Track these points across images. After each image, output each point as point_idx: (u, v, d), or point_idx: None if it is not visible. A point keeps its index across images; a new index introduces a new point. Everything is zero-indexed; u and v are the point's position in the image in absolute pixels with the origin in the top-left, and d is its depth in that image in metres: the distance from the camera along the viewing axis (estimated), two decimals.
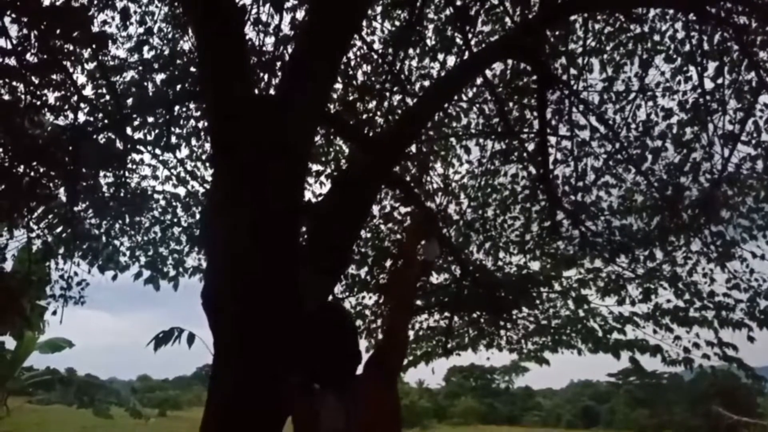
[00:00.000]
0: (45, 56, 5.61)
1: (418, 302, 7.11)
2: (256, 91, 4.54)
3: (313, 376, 2.21)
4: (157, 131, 6.07)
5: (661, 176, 5.91)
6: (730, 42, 5.20)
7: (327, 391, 2.15)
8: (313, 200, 5.78)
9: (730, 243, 5.96)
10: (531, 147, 5.92)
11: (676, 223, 5.87)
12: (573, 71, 5.58)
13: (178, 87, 5.64)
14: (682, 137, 5.68)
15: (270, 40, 5.28)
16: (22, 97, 5.55)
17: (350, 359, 2.23)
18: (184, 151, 6.48)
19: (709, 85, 5.38)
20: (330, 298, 6.93)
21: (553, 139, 5.88)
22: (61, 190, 6.50)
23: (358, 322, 7.68)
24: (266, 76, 5.09)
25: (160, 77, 5.82)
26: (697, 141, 5.65)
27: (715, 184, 5.64)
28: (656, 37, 5.54)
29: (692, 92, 5.49)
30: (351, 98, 5.60)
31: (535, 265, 7.01)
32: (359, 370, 2.26)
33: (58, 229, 6.85)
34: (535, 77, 5.23)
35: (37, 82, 5.65)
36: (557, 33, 5.32)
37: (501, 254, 7.02)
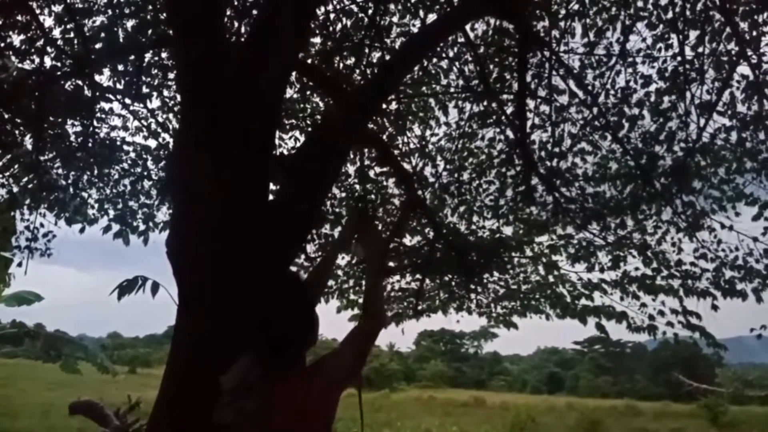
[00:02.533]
0: None
1: (391, 263, 7.13)
2: (228, 36, 4.40)
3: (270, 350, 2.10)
4: (127, 79, 5.88)
5: (636, 144, 5.92)
6: (713, 11, 5.17)
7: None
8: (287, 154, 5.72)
9: (700, 213, 6.03)
10: (509, 111, 5.87)
11: (649, 191, 5.91)
12: (555, 34, 5.51)
13: (150, 32, 5.44)
14: (659, 105, 5.68)
15: None
16: None
17: (301, 337, 2.15)
18: (155, 102, 6.32)
19: (689, 53, 5.36)
20: (302, 256, 6.95)
21: (531, 104, 5.86)
22: (27, 137, 6.32)
23: (330, 282, 7.68)
24: (239, 23, 4.93)
25: (131, 22, 5.61)
26: (673, 110, 5.65)
27: (689, 153, 5.67)
28: (639, 3, 5.48)
29: (672, 60, 5.47)
30: (329, 50, 5.48)
31: (507, 230, 7.03)
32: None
33: (24, 179, 6.67)
34: (516, 37, 5.16)
35: (0, 23, 5.42)
36: None
37: (475, 218, 7.02)
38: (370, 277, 2.46)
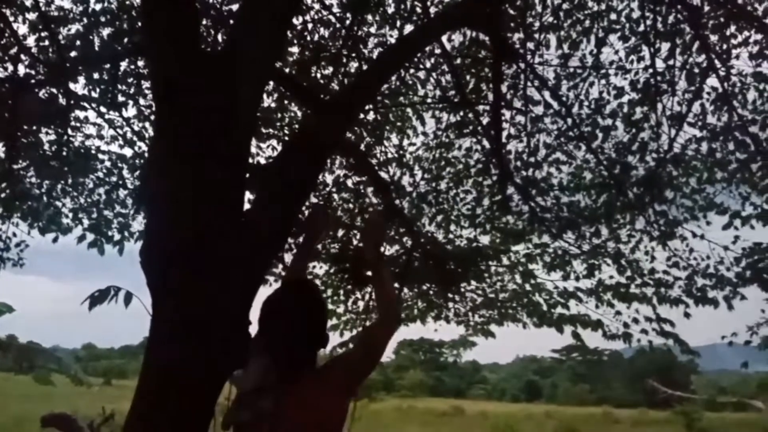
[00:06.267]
0: None
1: (369, 272, 7.11)
2: (204, 46, 4.39)
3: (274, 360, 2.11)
4: (102, 87, 5.83)
5: (610, 154, 6.02)
6: (683, 24, 5.29)
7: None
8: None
9: (673, 222, 6.14)
10: (485, 121, 5.94)
11: (622, 201, 6.00)
12: (530, 46, 5.59)
13: (126, 41, 5.40)
14: (631, 116, 5.79)
15: None
16: None
17: (316, 339, 2.15)
18: (131, 111, 6.27)
19: (660, 65, 5.48)
20: (280, 266, 6.92)
21: (507, 114, 5.93)
22: (0, 146, 6.22)
23: None
24: (215, 32, 4.93)
25: (106, 31, 5.57)
26: (646, 121, 5.76)
27: (661, 163, 5.78)
28: (612, 16, 5.59)
29: (644, 72, 5.58)
30: (306, 60, 5.50)
31: (484, 239, 7.09)
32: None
33: None
34: (492, 49, 5.22)
35: None
36: (517, 3, 5.31)
37: (452, 227, 7.07)
38: (374, 272, 2.44)
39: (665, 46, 5.43)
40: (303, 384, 2.03)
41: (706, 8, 5.22)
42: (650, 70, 5.48)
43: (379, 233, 2.65)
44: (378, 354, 2.22)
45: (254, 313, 2.68)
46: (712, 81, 5.40)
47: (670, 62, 5.43)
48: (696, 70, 5.44)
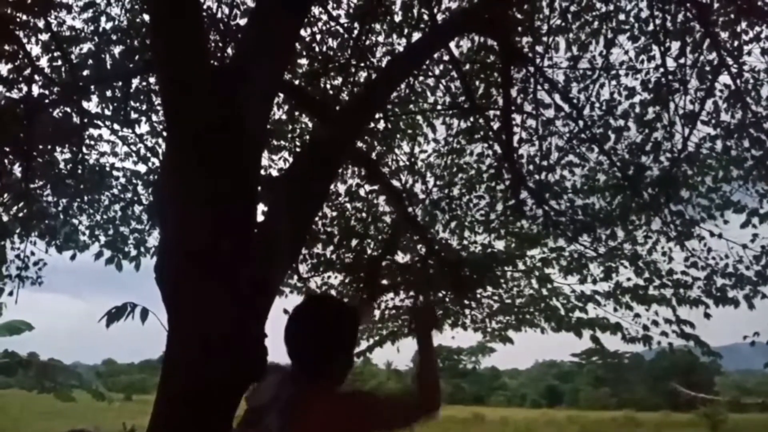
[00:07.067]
0: None
1: (384, 281, 7.13)
2: (212, 60, 4.43)
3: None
4: (115, 105, 5.90)
5: (623, 155, 5.97)
6: (693, 22, 5.25)
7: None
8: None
9: (689, 222, 6.06)
10: (496, 126, 5.93)
11: (638, 202, 5.94)
12: (539, 49, 5.57)
13: (137, 58, 5.47)
14: (644, 116, 5.74)
15: (226, 10, 5.16)
16: None
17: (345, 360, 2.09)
18: (144, 127, 6.34)
19: (671, 64, 5.44)
20: (295, 277, 6.91)
21: (517, 118, 5.91)
22: (16, 166, 6.31)
23: None
24: (222, 45, 4.97)
25: (118, 49, 5.65)
26: (658, 120, 5.71)
27: (675, 163, 5.72)
28: (621, 16, 5.56)
29: (655, 71, 5.54)
30: (315, 71, 5.52)
31: (499, 244, 7.06)
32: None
33: (14, 208, 6.65)
34: (500, 54, 5.22)
35: None
36: (524, 7, 5.30)
37: (466, 233, 7.05)
38: (424, 348, 2.41)
39: (675, 45, 5.39)
40: (312, 405, 1.97)
41: (716, 5, 5.18)
42: (661, 70, 5.44)
43: (431, 318, 2.60)
44: (400, 428, 2.09)
45: (270, 325, 2.70)
46: (724, 78, 5.34)
47: (681, 61, 5.38)
48: (707, 68, 5.38)
